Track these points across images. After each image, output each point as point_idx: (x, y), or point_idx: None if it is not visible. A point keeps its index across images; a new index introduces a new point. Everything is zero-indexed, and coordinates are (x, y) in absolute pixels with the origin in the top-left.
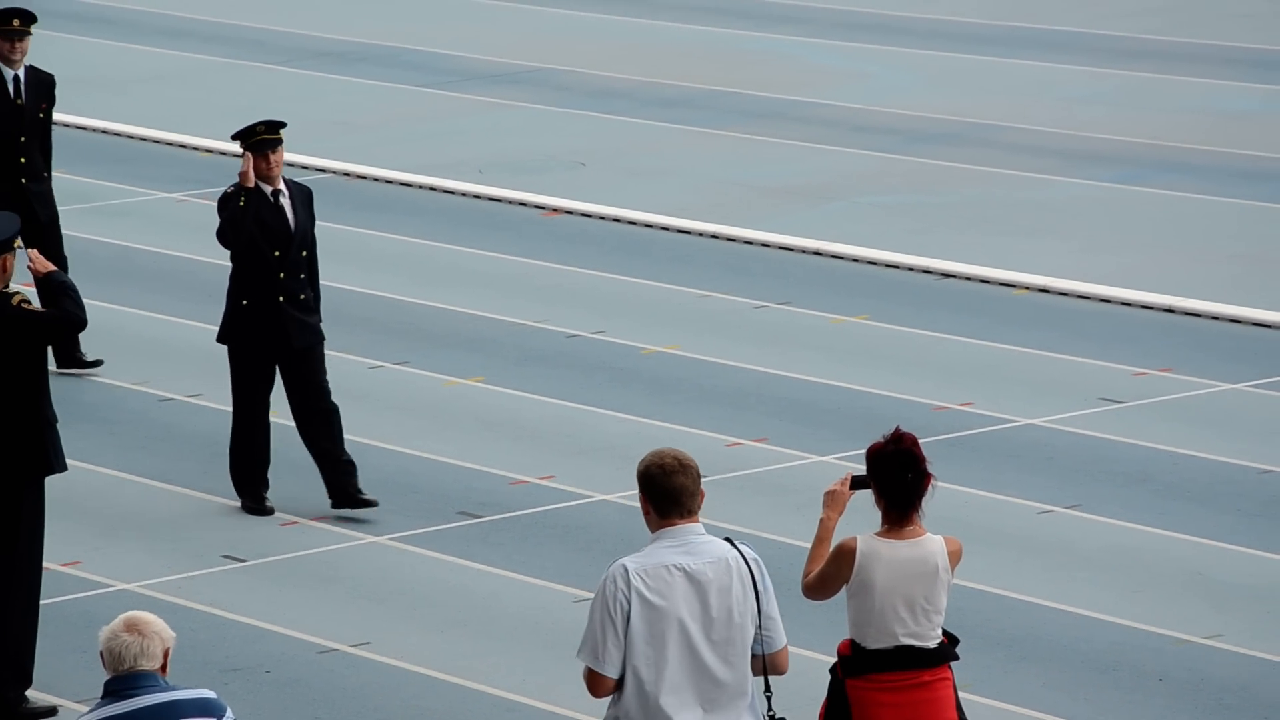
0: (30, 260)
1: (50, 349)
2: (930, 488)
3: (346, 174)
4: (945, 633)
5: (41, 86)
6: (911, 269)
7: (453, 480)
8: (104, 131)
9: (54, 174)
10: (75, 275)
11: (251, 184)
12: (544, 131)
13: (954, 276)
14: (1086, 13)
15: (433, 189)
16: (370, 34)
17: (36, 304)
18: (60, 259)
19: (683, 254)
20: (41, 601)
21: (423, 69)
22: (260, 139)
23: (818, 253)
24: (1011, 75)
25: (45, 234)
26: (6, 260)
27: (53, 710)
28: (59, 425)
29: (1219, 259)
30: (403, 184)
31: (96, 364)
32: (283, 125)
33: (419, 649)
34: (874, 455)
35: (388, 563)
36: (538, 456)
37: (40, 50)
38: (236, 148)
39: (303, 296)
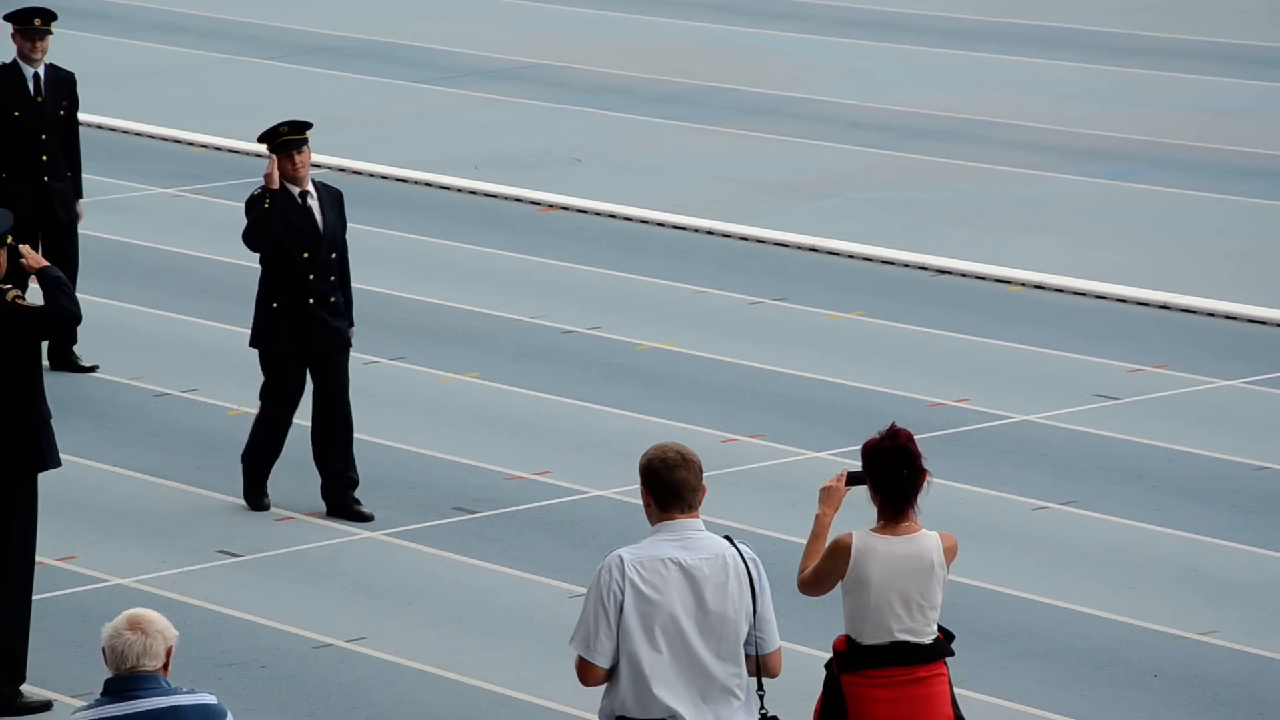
0: (23, 256)
1: (45, 349)
2: (926, 484)
3: (341, 169)
4: (941, 629)
5: (62, 84)
6: (907, 265)
7: (448, 475)
8: (100, 127)
9: None
10: None
11: (276, 185)
12: (540, 127)
13: (949, 273)
14: (1081, 9)
15: (428, 185)
16: (365, 29)
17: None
18: (73, 262)
19: (678, 250)
20: (37, 596)
21: (418, 64)
22: (285, 140)
23: (813, 249)
24: (1006, 72)
25: (64, 235)
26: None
27: (48, 704)
28: (53, 421)
29: (1214, 255)
30: (398, 180)
31: (92, 369)
32: (308, 126)
33: (414, 644)
34: (869, 451)
35: (383, 558)
36: (533, 452)
37: None
38: (233, 143)
39: (332, 299)
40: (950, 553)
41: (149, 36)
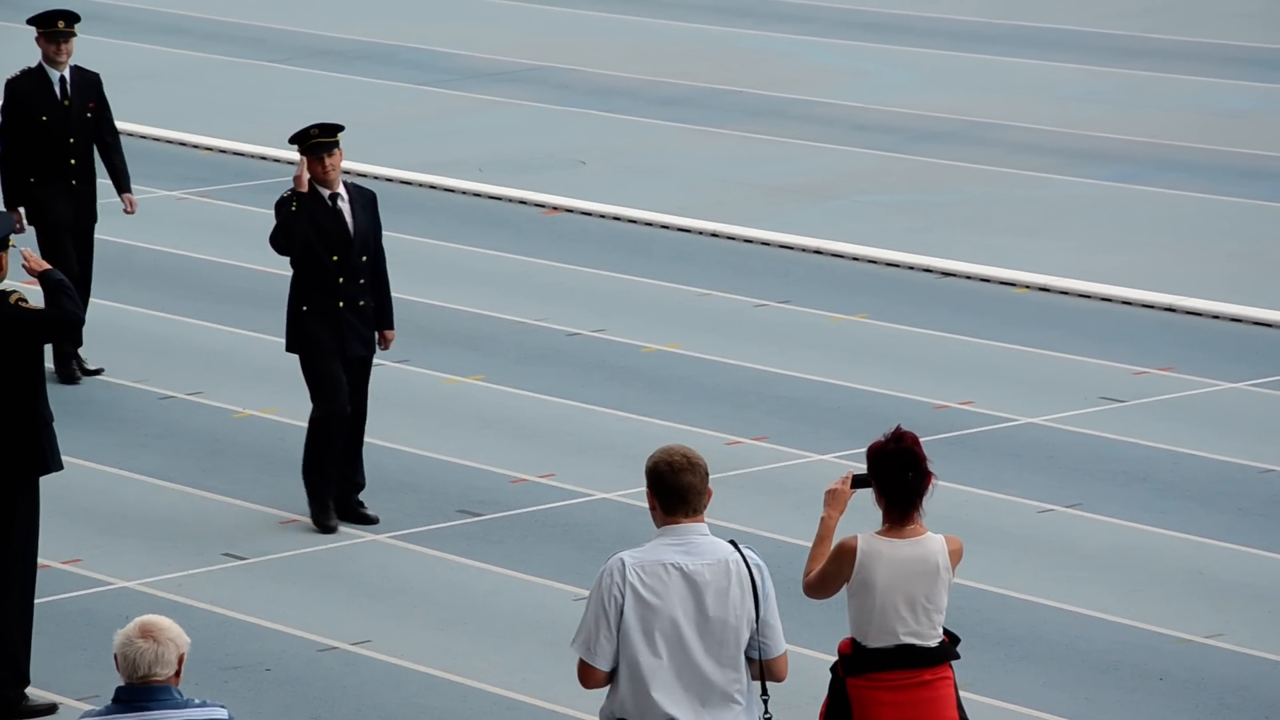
0: (24, 259)
1: (49, 354)
2: (931, 487)
3: (346, 172)
4: (946, 632)
5: (88, 86)
6: (911, 268)
7: (453, 478)
8: None
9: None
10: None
11: (304, 188)
12: (544, 130)
13: (954, 275)
14: (1085, 12)
15: (433, 187)
16: (370, 32)
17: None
18: (86, 268)
19: (683, 252)
20: (41, 599)
21: (423, 67)
22: (315, 142)
23: (818, 251)
24: (1011, 74)
25: (80, 240)
26: (1, 259)
27: (53, 708)
28: (55, 424)
29: (1218, 258)
30: (403, 182)
31: (97, 371)
32: (340, 129)
33: (419, 647)
34: (875, 454)
35: (388, 561)
36: (538, 455)
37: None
38: (237, 146)
39: (362, 303)
40: (955, 556)
41: (152, 39)
